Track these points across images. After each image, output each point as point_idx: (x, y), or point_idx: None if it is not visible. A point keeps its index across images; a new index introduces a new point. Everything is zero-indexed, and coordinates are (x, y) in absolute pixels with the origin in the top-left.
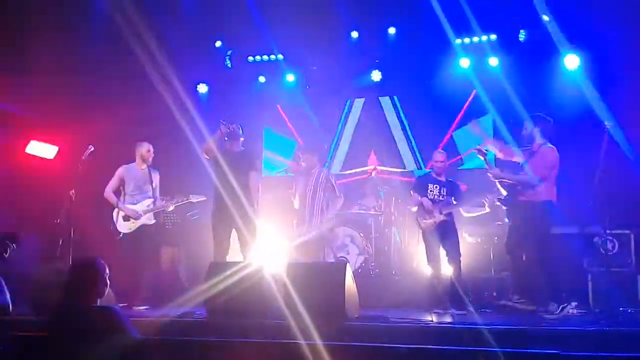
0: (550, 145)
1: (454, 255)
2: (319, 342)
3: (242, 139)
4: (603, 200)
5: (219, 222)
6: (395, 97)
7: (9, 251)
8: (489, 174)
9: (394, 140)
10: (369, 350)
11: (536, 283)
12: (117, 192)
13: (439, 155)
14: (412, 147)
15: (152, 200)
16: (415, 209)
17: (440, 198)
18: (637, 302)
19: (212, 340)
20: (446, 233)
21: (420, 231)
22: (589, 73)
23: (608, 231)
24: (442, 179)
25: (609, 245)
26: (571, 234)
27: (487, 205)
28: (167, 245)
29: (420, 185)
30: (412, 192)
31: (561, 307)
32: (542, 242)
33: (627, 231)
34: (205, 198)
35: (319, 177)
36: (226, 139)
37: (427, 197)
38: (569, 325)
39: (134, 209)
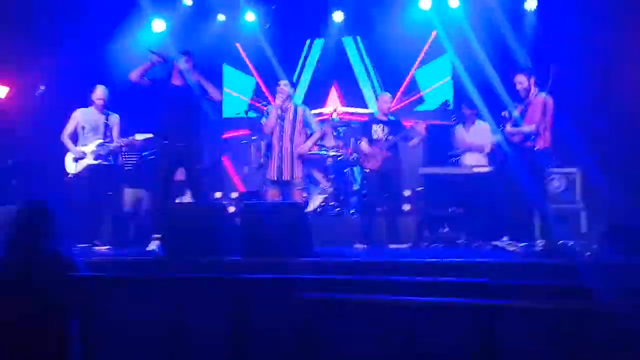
0: (544, 95)
1: (391, 197)
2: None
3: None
4: (555, 140)
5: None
6: (357, 38)
7: None
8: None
9: (356, 80)
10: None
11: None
12: (74, 136)
13: (385, 97)
14: (374, 88)
15: (101, 140)
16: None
17: (385, 137)
18: (580, 236)
19: (167, 276)
20: (390, 173)
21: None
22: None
23: (555, 170)
24: (385, 118)
25: (556, 184)
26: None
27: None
28: (129, 186)
29: (364, 127)
30: (358, 141)
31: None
32: (540, 187)
33: (574, 169)
34: (151, 135)
35: (295, 118)
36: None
37: (372, 137)
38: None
39: (80, 150)
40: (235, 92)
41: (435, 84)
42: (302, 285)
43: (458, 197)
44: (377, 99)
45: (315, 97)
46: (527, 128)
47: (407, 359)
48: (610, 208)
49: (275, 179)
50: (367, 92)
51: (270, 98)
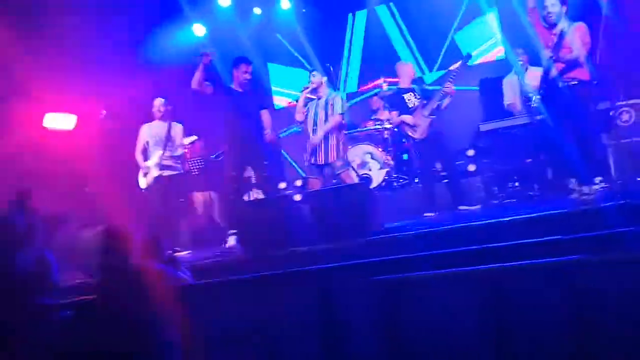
0: (581, 23)
1: (447, 159)
2: (346, 262)
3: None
4: (608, 75)
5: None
6: (391, 4)
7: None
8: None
9: (394, 49)
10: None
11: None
12: (145, 151)
13: (406, 65)
14: (414, 54)
15: (161, 151)
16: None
17: (420, 101)
18: None
19: (248, 277)
20: (438, 136)
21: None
22: None
23: (622, 103)
24: (410, 86)
25: (625, 117)
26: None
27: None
28: (197, 191)
29: (395, 100)
30: (390, 113)
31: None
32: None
33: None
34: (196, 137)
35: (327, 103)
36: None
37: (407, 106)
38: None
39: (145, 164)
40: (286, 89)
41: (479, 46)
42: (379, 267)
43: (522, 149)
44: (397, 67)
45: (369, 72)
46: (575, 53)
47: (502, 327)
48: None
49: (313, 163)
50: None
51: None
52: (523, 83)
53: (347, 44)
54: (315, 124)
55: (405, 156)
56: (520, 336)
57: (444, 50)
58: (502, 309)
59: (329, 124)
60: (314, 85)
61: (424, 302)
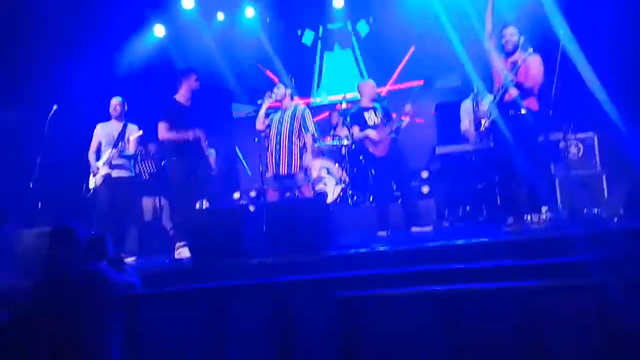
0: (537, 54)
1: (403, 180)
2: (302, 276)
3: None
4: (563, 107)
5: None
6: (360, 22)
7: None
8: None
9: (358, 66)
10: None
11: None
12: (98, 151)
13: (369, 83)
14: (361, 73)
15: (111, 149)
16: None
17: (381, 120)
18: (603, 202)
19: (200, 287)
20: (397, 156)
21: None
22: None
23: (572, 136)
24: (371, 104)
25: (574, 150)
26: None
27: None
28: (147, 196)
29: (357, 117)
30: (351, 129)
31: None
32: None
33: (591, 134)
34: (142, 132)
35: (294, 115)
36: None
37: (367, 124)
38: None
39: (94, 164)
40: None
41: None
42: (331, 283)
43: (475, 174)
44: (359, 86)
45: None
46: (529, 83)
47: (450, 347)
48: (632, 171)
49: (274, 174)
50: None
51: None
52: (477, 110)
53: (318, 56)
54: (279, 133)
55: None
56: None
57: (398, 69)
58: (454, 330)
59: (308, 146)
60: (278, 97)
61: (380, 319)
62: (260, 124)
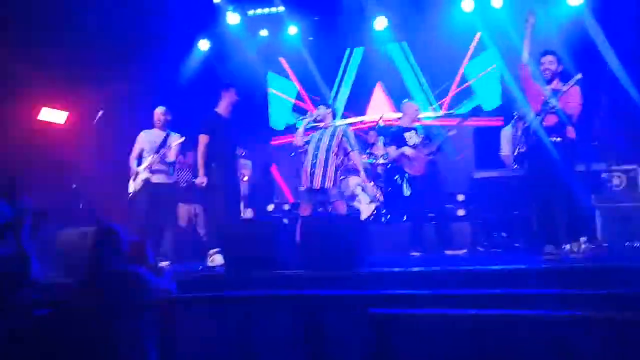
0: (577, 85)
1: (438, 201)
2: (334, 291)
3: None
4: (607, 138)
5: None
6: (404, 43)
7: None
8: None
9: (405, 86)
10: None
11: (561, 222)
12: (140, 158)
13: (412, 105)
14: (425, 91)
15: (152, 156)
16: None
17: (421, 140)
18: None
19: (232, 294)
20: (433, 177)
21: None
22: (593, 9)
23: (614, 167)
24: (413, 125)
25: (617, 181)
26: (579, 172)
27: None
28: (183, 203)
29: (396, 137)
30: (387, 148)
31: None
32: (571, 182)
33: (635, 166)
34: (184, 138)
35: (334, 133)
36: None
37: (407, 144)
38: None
39: (135, 168)
40: (281, 93)
41: (482, 72)
42: (365, 300)
43: (512, 200)
44: (401, 107)
45: (356, 104)
46: (569, 112)
47: None
48: None
49: (307, 187)
50: (419, 97)
51: (311, 106)
52: (517, 135)
53: (339, 77)
54: (317, 148)
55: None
56: None
57: (453, 88)
58: (485, 355)
59: (358, 163)
60: (319, 117)
61: (411, 339)
62: (298, 140)
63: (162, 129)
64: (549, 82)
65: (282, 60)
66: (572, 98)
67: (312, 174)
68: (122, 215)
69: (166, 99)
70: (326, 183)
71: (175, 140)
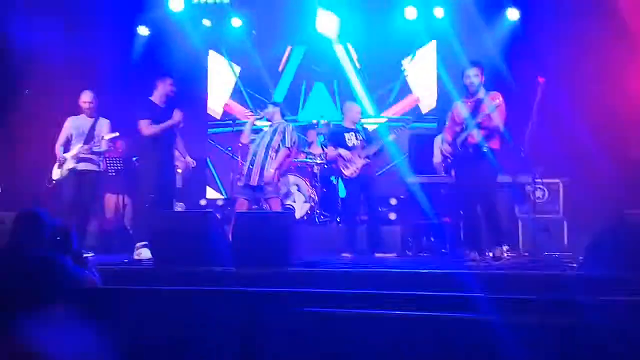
0: (498, 94)
1: (372, 204)
2: (263, 288)
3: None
4: (534, 151)
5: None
6: (347, 45)
7: None
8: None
9: (350, 86)
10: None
11: (485, 230)
12: (67, 144)
13: (355, 106)
14: (367, 93)
15: (81, 144)
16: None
17: (360, 142)
18: (563, 247)
19: (160, 288)
20: (368, 180)
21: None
22: (527, 27)
23: (538, 180)
24: (353, 126)
25: (539, 194)
26: (504, 183)
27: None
28: (111, 192)
29: (336, 137)
30: (327, 147)
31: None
32: (493, 192)
33: (557, 180)
34: (118, 134)
35: (276, 130)
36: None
37: (347, 145)
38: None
39: (63, 155)
40: (217, 86)
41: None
42: (298, 298)
43: (443, 206)
44: (342, 107)
45: (292, 103)
46: (496, 122)
47: None
48: (593, 220)
49: (244, 184)
50: (363, 97)
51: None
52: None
53: (282, 73)
54: (257, 145)
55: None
56: None
57: (395, 92)
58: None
59: (278, 157)
60: (267, 116)
61: (347, 337)
62: (244, 138)
63: (90, 116)
64: (473, 94)
65: (223, 53)
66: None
67: (249, 171)
68: (45, 202)
69: (100, 84)
70: (264, 179)
71: (105, 128)
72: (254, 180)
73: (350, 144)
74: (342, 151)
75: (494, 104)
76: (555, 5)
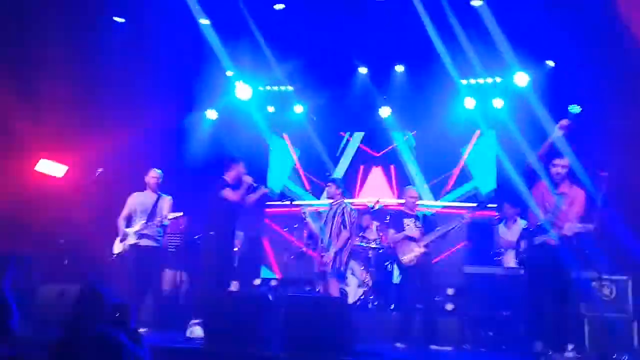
0: (581, 189)
1: (428, 294)
2: None
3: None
4: (601, 246)
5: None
6: (408, 132)
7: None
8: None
9: (407, 174)
10: None
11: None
12: (130, 219)
13: (413, 191)
14: (424, 180)
15: (145, 221)
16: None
17: (420, 230)
18: (633, 349)
19: None
20: (424, 268)
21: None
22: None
23: (605, 276)
24: (415, 213)
25: (607, 291)
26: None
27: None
28: (169, 268)
29: (396, 221)
30: (384, 230)
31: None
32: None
33: (625, 277)
34: (182, 214)
35: (338, 210)
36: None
37: (404, 230)
38: None
39: (125, 230)
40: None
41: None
42: None
43: (502, 299)
44: (405, 191)
45: (350, 186)
46: (587, 226)
47: None
48: None
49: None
50: (419, 184)
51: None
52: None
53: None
54: (325, 224)
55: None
56: None
57: (454, 178)
58: None
59: (340, 240)
60: (329, 195)
61: None
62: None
63: (154, 192)
64: (557, 184)
65: (285, 137)
66: (577, 203)
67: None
68: (106, 276)
69: (164, 164)
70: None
71: (170, 209)
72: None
73: (408, 232)
74: (408, 231)
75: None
76: (616, 94)
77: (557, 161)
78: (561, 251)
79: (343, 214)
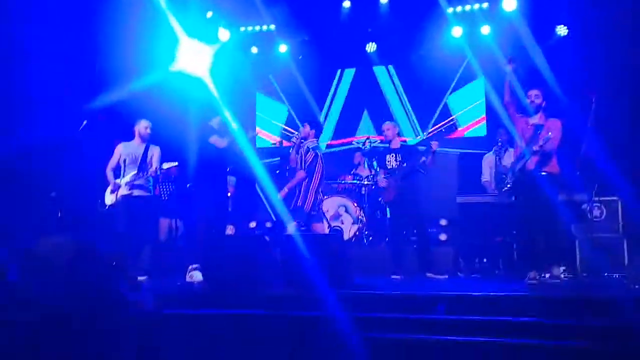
0: (557, 119)
1: (419, 225)
2: (319, 312)
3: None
4: (590, 168)
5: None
6: (390, 67)
7: None
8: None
9: (390, 109)
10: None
11: (541, 250)
12: (117, 169)
13: (387, 125)
14: (410, 116)
15: (135, 171)
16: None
17: (398, 165)
18: (624, 268)
19: (214, 312)
20: (405, 204)
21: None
22: (576, 43)
23: (595, 198)
24: (397, 146)
25: (597, 212)
26: (560, 202)
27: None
28: (164, 217)
29: (379, 160)
30: (378, 170)
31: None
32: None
33: (615, 197)
34: (177, 163)
35: (300, 150)
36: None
37: (387, 167)
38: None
39: (114, 181)
40: (269, 117)
41: (467, 107)
42: (355, 323)
43: (495, 226)
44: (384, 127)
45: (346, 126)
46: (548, 146)
47: None
48: None
49: (293, 206)
50: (402, 121)
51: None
52: (499, 164)
53: (329, 97)
54: (293, 170)
55: (378, 214)
56: None
57: (436, 115)
58: None
59: (295, 179)
60: (303, 135)
61: None
62: (293, 162)
63: (142, 141)
64: (532, 115)
65: (271, 78)
66: (553, 133)
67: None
68: (100, 226)
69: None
70: (306, 204)
71: (159, 159)
72: (300, 204)
73: (389, 166)
74: (379, 179)
75: (548, 136)
76: (604, 18)
77: (529, 92)
78: (539, 176)
79: (302, 154)
